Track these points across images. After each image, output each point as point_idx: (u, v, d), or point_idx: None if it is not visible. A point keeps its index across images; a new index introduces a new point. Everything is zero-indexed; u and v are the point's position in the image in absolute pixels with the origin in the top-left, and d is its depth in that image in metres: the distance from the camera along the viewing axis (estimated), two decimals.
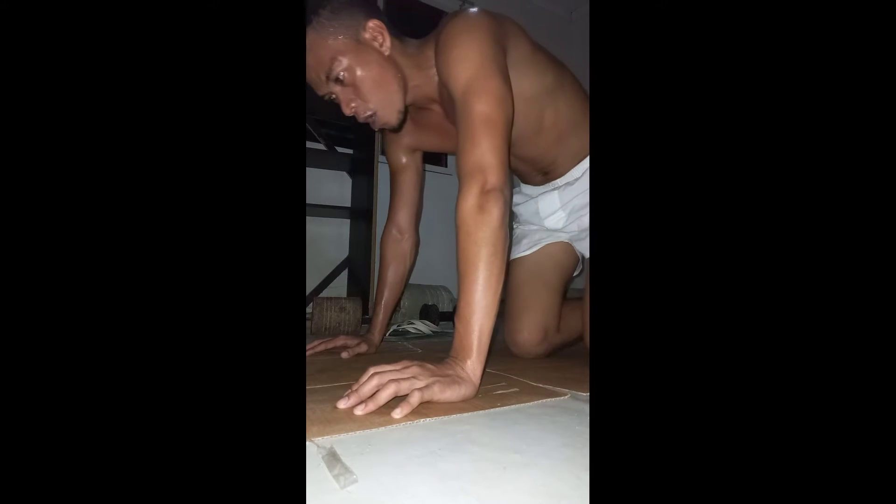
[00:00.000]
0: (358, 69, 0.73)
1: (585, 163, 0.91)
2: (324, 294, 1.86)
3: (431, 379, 0.52)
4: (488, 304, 0.57)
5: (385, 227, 1.01)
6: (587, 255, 0.95)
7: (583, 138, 0.89)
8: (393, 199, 1.01)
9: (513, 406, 0.55)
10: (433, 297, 1.70)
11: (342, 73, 0.73)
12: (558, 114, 0.85)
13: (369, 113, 0.77)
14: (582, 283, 1.03)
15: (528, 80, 0.78)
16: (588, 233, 0.92)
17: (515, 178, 1.04)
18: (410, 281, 1.18)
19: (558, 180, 0.94)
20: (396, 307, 1.34)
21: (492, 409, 0.53)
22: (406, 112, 0.81)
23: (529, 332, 0.96)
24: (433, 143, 0.95)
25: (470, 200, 0.60)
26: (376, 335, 0.97)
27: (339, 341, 0.93)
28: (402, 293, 1.10)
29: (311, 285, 1.86)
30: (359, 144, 1.93)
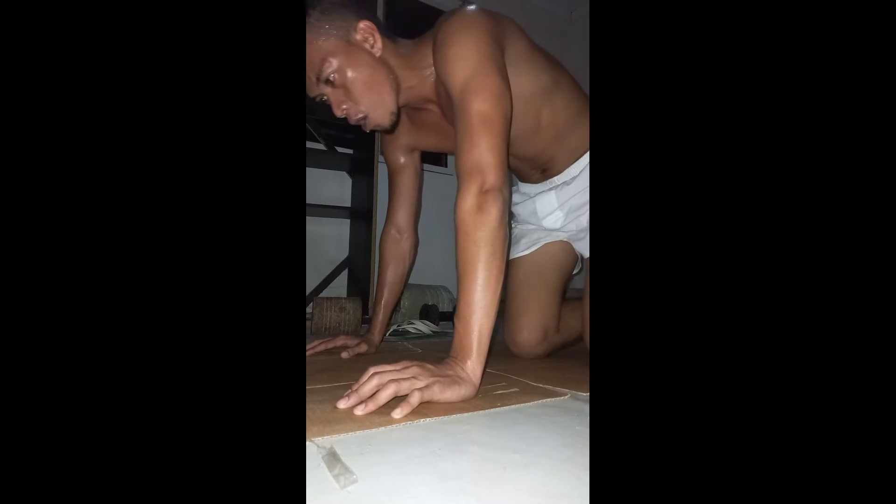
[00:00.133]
0: (349, 71, 0.73)
1: (583, 160, 0.91)
2: (324, 294, 1.86)
3: (431, 379, 0.52)
4: (488, 304, 0.57)
5: (384, 227, 1.01)
6: (586, 254, 0.94)
7: (580, 135, 0.89)
8: (391, 199, 1.01)
9: (513, 406, 0.55)
10: (433, 297, 1.70)
11: (333, 75, 0.73)
12: (556, 112, 0.85)
13: (361, 115, 0.77)
14: (581, 282, 1.03)
15: (526, 78, 0.77)
16: (586, 232, 0.92)
17: (513, 177, 1.04)
18: (410, 281, 1.18)
19: (556, 178, 0.94)
20: (396, 307, 1.34)
21: (492, 409, 0.53)
22: (399, 113, 0.81)
23: (529, 332, 0.96)
24: (431, 143, 0.94)
25: (469, 200, 0.60)
26: (376, 335, 0.97)
27: (339, 341, 0.93)
28: (402, 293, 1.10)
29: (311, 285, 1.86)
30: (359, 144, 1.93)
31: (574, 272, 1.05)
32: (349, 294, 1.96)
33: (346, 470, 0.34)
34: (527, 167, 0.95)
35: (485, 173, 0.60)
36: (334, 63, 0.72)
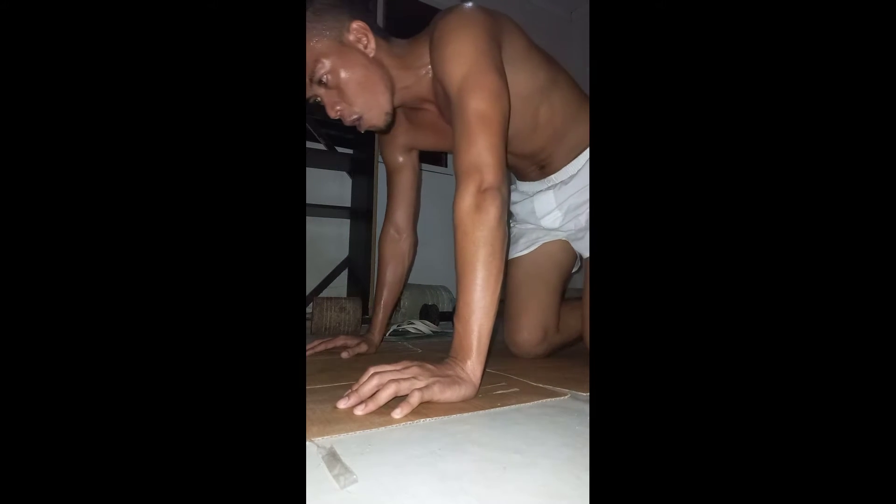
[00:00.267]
0: (342, 71, 0.72)
1: (581, 158, 0.90)
2: (324, 294, 1.86)
3: (432, 379, 0.52)
4: (487, 303, 0.57)
5: (383, 227, 1.01)
6: (585, 254, 0.94)
7: (578, 133, 0.89)
8: (390, 199, 1.00)
9: (513, 406, 0.55)
10: (433, 297, 1.70)
11: (326, 76, 0.72)
12: (553, 110, 0.84)
13: (355, 116, 0.76)
14: (580, 280, 1.03)
15: (524, 76, 0.77)
16: (585, 232, 0.92)
17: (511, 176, 1.03)
18: (410, 281, 1.18)
19: (554, 176, 0.94)
20: (396, 307, 1.34)
21: (492, 409, 0.53)
22: (394, 114, 0.80)
23: (529, 332, 0.96)
24: (429, 143, 0.94)
25: (467, 200, 0.60)
26: (376, 335, 0.97)
27: (339, 341, 0.93)
28: (402, 293, 1.10)
29: (311, 285, 1.86)
30: (359, 144, 1.93)
31: (574, 270, 1.05)
32: (349, 294, 1.96)
33: (346, 470, 0.34)
34: (525, 164, 0.95)
35: (483, 172, 0.60)
36: (327, 64, 0.72)
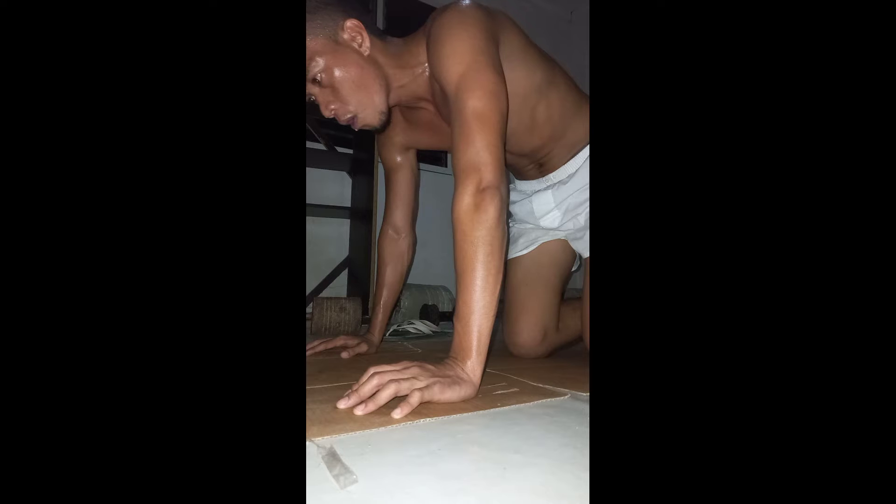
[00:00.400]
0: (336, 70, 0.72)
1: (580, 157, 0.90)
2: (324, 294, 1.86)
3: (432, 379, 0.52)
4: (487, 303, 0.57)
5: (382, 227, 1.01)
6: (584, 253, 0.94)
7: (577, 130, 0.88)
8: (388, 198, 1.00)
9: (513, 406, 0.55)
10: (433, 297, 1.69)
11: (320, 75, 0.72)
12: (551, 108, 0.84)
13: (349, 115, 0.76)
14: (580, 280, 1.03)
15: (521, 74, 0.77)
16: (584, 232, 0.92)
17: (510, 175, 1.03)
18: (410, 281, 1.18)
19: (552, 175, 0.93)
20: (396, 307, 1.34)
21: (492, 409, 0.53)
22: (390, 113, 0.80)
23: (529, 332, 0.96)
24: (426, 142, 0.94)
25: (466, 199, 0.59)
26: (376, 335, 0.97)
27: (339, 341, 0.92)
28: (401, 293, 1.10)
29: (311, 285, 1.85)
30: (359, 144, 1.93)
31: (573, 269, 1.05)
32: (349, 294, 1.96)
33: (346, 470, 0.34)
34: (524, 163, 0.95)
35: (481, 171, 0.60)
36: (321, 63, 0.71)
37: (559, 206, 0.94)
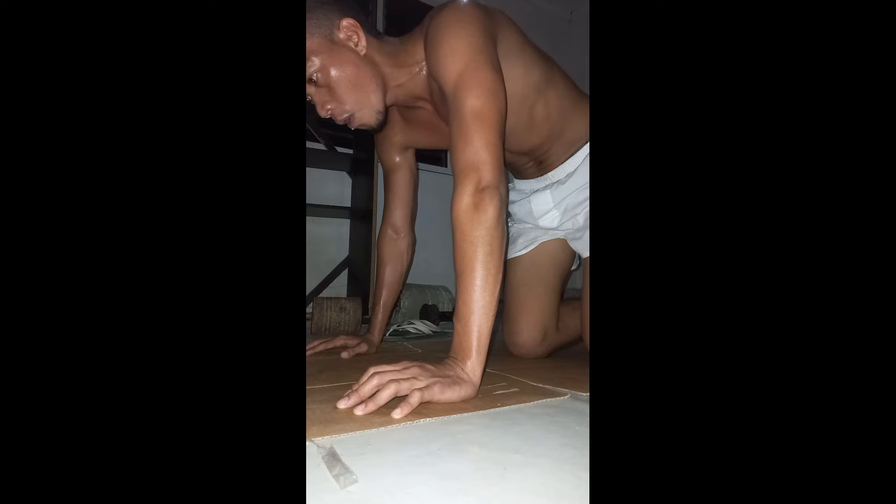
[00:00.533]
0: (332, 70, 0.72)
1: (578, 155, 0.90)
2: (324, 294, 1.86)
3: (432, 379, 0.52)
4: (486, 303, 0.57)
5: (381, 227, 1.01)
6: (584, 253, 0.94)
7: (576, 128, 0.88)
8: (387, 198, 1.00)
9: (513, 406, 0.55)
10: (433, 297, 1.69)
11: (316, 75, 0.72)
12: (549, 107, 0.84)
13: (346, 115, 0.76)
14: (579, 279, 1.03)
15: (519, 72, 0.76)
16: (583, 232, 0.92)
17: (509, 174, 1.03)
18: (410, 281, 1.18)
19: (551, 174, 0.93)
20: (396, 307, 1.34)
21: (492, 409, 0.53)
22: (386, 112, 0.80)
23: (529, 333, 0.96)
24: (425, 141, 0.94)
25: (465, 199, 0.59)
26: (376, 335, 0.97)
27: (339, 341, 0.92)
28: (401, 293, 1.10)
29: (311, 285, 1.86)
30: (359, 144, 1.93)
31: (572, 268, 1.05)
32: (349, 294, 1.96)
33: (346, 470, 0.34)
34: (523, 161, 0.95)
35: (480, 171, 0.60)
36: (317, 62, 0.71)
37: (558, 206, 0.94)
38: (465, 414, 0.50)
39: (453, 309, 0.84)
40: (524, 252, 1.01)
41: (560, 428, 0.47)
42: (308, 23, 0.70)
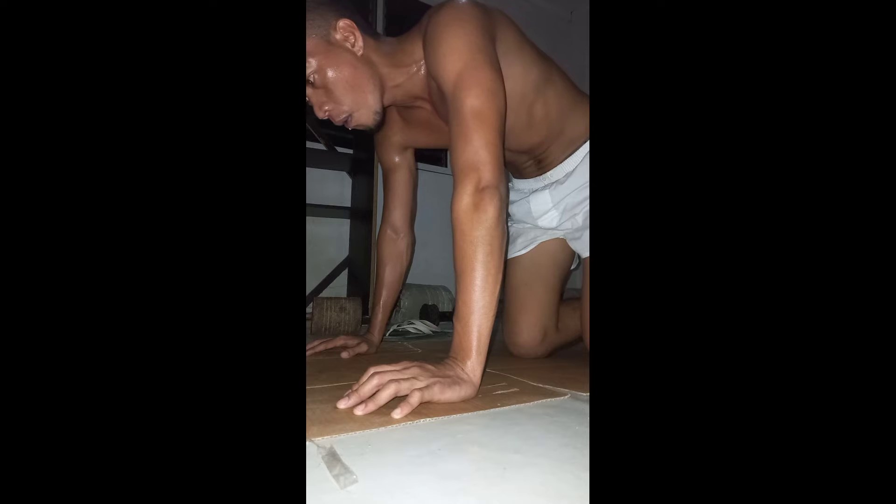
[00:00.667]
0: (329, 71, 0.72)
1: (577, 155, 0.90)
2: (324, 294, 1.86)
3: (432, 379, 0.52)
4: (486, 303, 0.57)
5: (380, 227, 1.01)
6: (583, 253, 0.94)
7: (575, 127, 0.88)
8: (387, 198, 1.00)
9: (513, 406, 0.55)
10: (433, 297, 1.69)
11: (313, 76, 0.72)
12: (548, 106, 0.84)
13: (344, 115, 0.76)
14: (579, 278, 1.03)
15: (518, 71, 0.76)
16: (582, 231, 0.92)
17: (508, 174, 1.03)
18: (410, 281, 1.18)
19: (550, 174, 0.93)
20: (396, 307, 1.34)
21: (492, 409, 0.53)
22: (384, 113, 0.80)
23: (529, 333, 0.96)
24: (424, 141, 0.94)
25: (465, 199, 0.59)
26: (376, 335, 0.97)
27: (339, 341, 0.92)
28: (401, 292, 1.10)
29: (311, 285, 1.86)
30: (358, 144, 1.93)
31: (572, 267, 1.05)
32: (349, 294, 1.96)
33: (346, 470, 0.34)
34: (522, 160, 0.94)
35: (480, 171, 0.60)
36: (314, 63, 0.71)
37: (557, 206, 0.94)
38: (465, 414, 0.50)
39: (453, 309, 0.84)
40: (523, 252, 1.01)
41: (560, 428, 0.47)
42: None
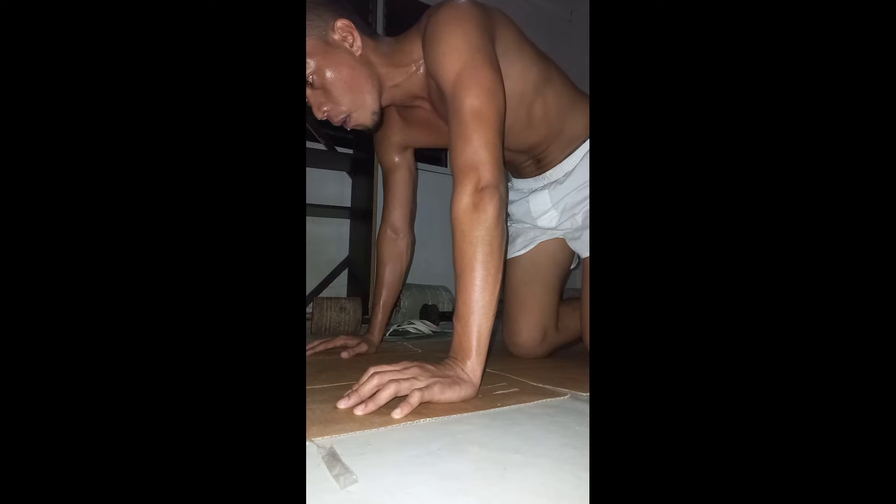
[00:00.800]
0: (328, 71, 0.72)
1: (577, 154, 0.90)
2: (324, 294, 1.86)
3: (432, 379, 0.52)
4: (486, 303, 0.57)
5: (380, 227, 1.01)
6: (583, 253, 0.94)
7: (574, 126, 0.88)
8: (387, 198, 1.00)
9: (513, 406, 0.55)
10: (433, 297, 1.69)
11: (311, 77, 0.72)
12: (547, 105, 0.84)
13: (342, 116, 0.76)
14: (578, 278, 1.03)
15: (517, 70, 0.76)
16: (581, 231, 0.92)
17: (508, 174, 1.03)
18: (410, 281, 1.18)
19: (550, 173, 0.93)
20: (396, 307, 1.34)
21: (492, 409, 0.53)
22: (382, 113, 0.80)
23: (529, 333, 0.96)
24: (423, 140, 0.93)
25: (464, 199, 0.59)
26: (376, 335, 0.97)
27: (339, 341, 0.92)
28: (401, 292, 1.10)
29: (311, 285, 1.86)
30: (359, 144, 1.93)
31: (572, 267, 1.05)
32: (349, 294, 1.96)
33: (346, 470, 0.34)
34: (521, 159, 0.94)
35: (480, 170, 0.60)
36: (312, 64, 0.71)
37: (556, 206, 0.94)
38: (465, 414, 0.50)
39: (453, 309, 0.84)
40: (523, 252, 1.01)
41: (560, 428, 0.47)
42: None
